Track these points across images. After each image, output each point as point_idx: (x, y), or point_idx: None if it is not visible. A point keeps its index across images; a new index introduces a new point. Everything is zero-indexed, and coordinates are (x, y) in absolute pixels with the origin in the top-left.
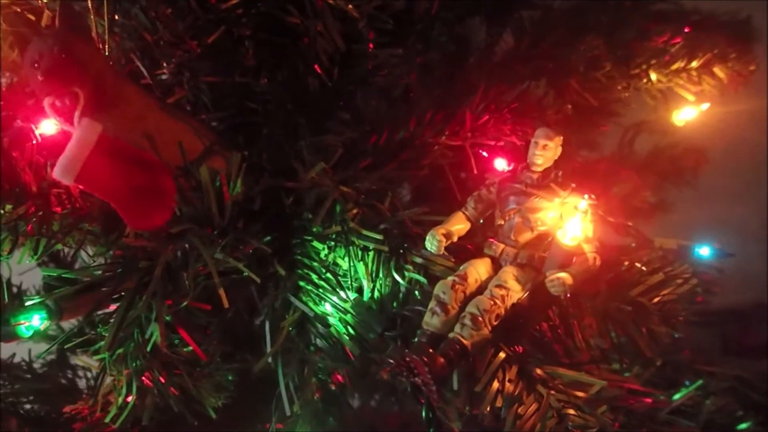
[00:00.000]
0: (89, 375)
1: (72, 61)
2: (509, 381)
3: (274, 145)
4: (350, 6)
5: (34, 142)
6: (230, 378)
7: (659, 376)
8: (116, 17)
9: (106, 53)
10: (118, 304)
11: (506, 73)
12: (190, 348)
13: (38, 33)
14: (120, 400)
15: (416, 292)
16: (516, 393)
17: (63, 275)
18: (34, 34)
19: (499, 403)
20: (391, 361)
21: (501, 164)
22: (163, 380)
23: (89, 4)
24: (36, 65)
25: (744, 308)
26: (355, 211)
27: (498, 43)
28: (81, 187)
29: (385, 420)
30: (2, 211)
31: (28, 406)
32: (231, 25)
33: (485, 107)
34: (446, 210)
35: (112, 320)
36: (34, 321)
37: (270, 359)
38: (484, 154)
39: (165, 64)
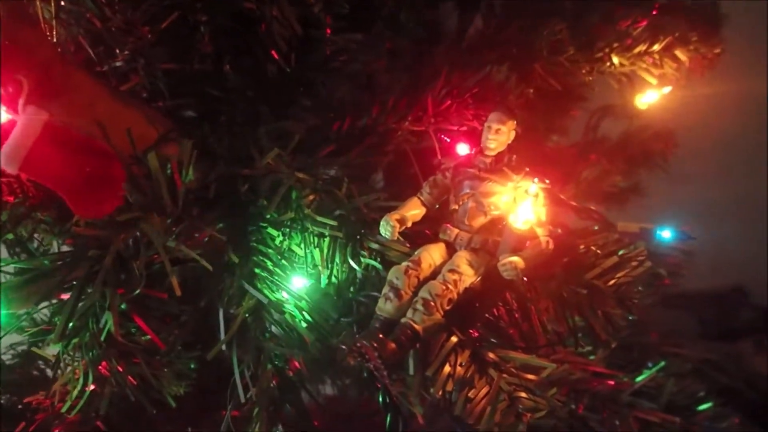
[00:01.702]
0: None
1: (16, 48)
2: (461, 365)
3: (233, 133)
4: None
5: None
6: (192, 366)
7: (626, 359)
8: (62, 2)
9: (54, 40)
10: (69, 294)
11: (472, 58)
12: (148, 337)
13: None
14: (77, 390)
15: (372, 278)
16: (467, 376)
17: (9, 263)
18: None
19: (450, 386)
20: (344, 347)
21: (463, 149)
22: (120, 369)
23: None
24: None
25: (720, 291)
26: (311, 197)
27: (469, 28)
28: (26, 175)
29: (358, 407)
30: None
31: None
32: (185, 11)
33: (447, 92)
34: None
35: (62, 310)
36: None
37: (224, 346)
38: (447, 139)
39: (118, 51)
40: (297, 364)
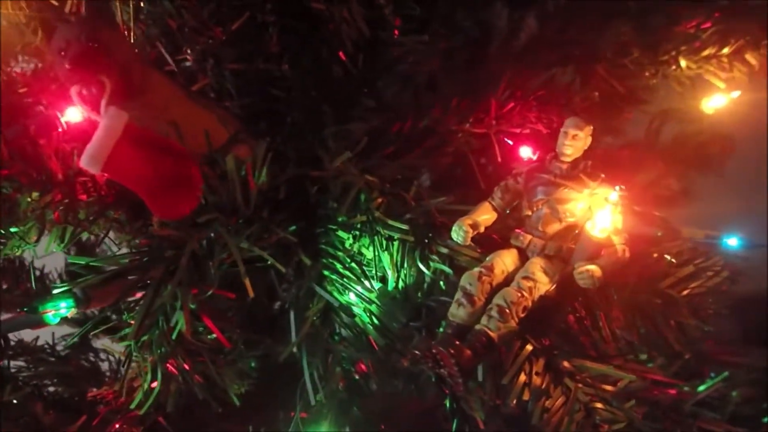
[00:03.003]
0: (112, 359)
1: (99, 50)
2: (536, 374)
3: (297, 133)
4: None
5: (60, 129)
6: (252, 365)
7: (682, 367)
8: (141, 4)
9: (132, 41)
10: (144, 292)
11: (531, 59)
12: (214, 335)
13: (64, 20)
14: (145, 386)
15: (441, 283)
16: (543, 386)
17: (89, 263)
18: (60, 22)
19: (526, 396)
20: (417, 352)
21: (526, 152)
22: (187, 367)
23: None
24: (63, 53)
25: (764, 296)
26: (380, 200)
27: (520, 28)
28: (107, 175)
29: (403, 406)
30: (29, 199)
31: (51, 389)
32: (255, 11)
33: (510, 94)
34: (469, 199)
35: (138, 308)
36: (61, 308)
37: (294, 348)
38: (509, 141)
39: (189, 51)
40: (364, 366)
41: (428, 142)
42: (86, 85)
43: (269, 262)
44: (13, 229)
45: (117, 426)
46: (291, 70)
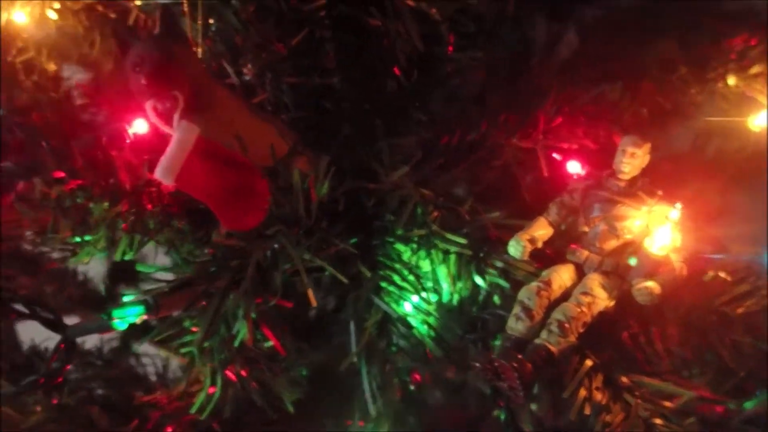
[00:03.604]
0: (156, 363)
1: (173, 65)
2: (596, 389)
3: (349, 146)
4: (433, 10)
5: (128, 141)
6: (303, 373)
7: (733, 385)
8: (210, 21)
9: (200, 56)
10: (209, 301)
11: (575, 74)
12: (270, 343)
13: (139, 37)
14: (205, 392)
15: (496, 296)
16: (603, 401)
17: (158, 271)
18: (135, 39)
19: (587, 410)
20: (478, 364)
21: (574, 167)
22: (245, 374)
23: (184, 8)
24: (138, 69)
25: None
26: (435, 213)
27: (559, 42)
28: (179, 187)
29: (448, 416)
30: (101, 209)
31: (99, 392)
32: (313, 27)
33: (558, 109)
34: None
35: (202, 316)
36: (130, 315)
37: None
38: (557, 156)
39: (250, 66)
40: (419, 377)
41: (475, 156)
42: (161, 99)
43: (327, 273)
44: (86, 238)
45: (170, 430)
46: (345, 83)
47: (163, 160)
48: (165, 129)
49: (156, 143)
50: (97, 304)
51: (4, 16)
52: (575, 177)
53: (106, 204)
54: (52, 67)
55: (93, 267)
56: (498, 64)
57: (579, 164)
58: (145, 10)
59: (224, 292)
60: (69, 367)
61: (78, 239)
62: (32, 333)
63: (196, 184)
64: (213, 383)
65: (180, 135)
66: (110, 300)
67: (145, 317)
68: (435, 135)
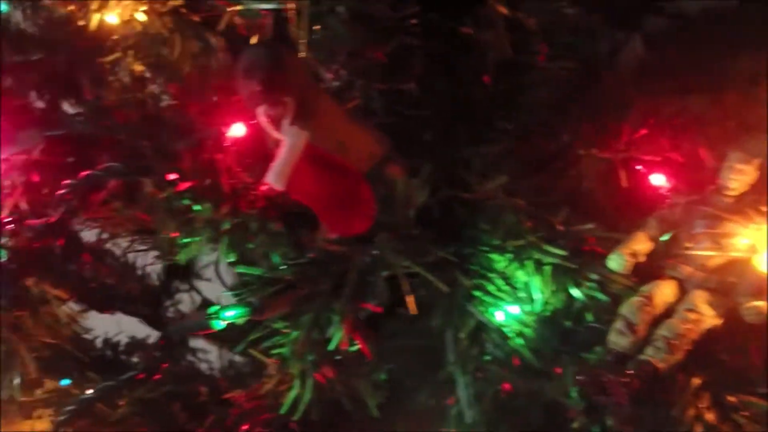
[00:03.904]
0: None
1: (284, 71)
2: (706, 408)
3: (437, 154)
4: (530, 20)
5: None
6: (383, 378)
7: None
8: (315, 27)
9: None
10: (311, 305)
11: (654, 85)
12: (356, 347)
13: (250, 44)
14: (294, 393)
15: (589, 310)
16: (714, 421)
17: (258, 274)
18: (246, 45)
19: (698, 429)
20: (581, 378)
21: (659, 180)
22: (332, 376)
23: (291, 15)
24: (250, 74)
25: None
26: (529, 224)
27: (624, 51)
28: (288, 193)
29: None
30: (204, 211)
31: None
32: (405, 34)
33: (643, 120)
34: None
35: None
36: (230, 315)
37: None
38: (641, 168)
39: (344, 72)
40: (509, 387)
41: (555, 165)
42: (273, 105)
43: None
44: (190, 240)
45: (245, 428)
46: (432, 91)
47: (275, 166)
48: (275, 135)
49: (253, 147)
50: (154, 300)
51: (97, 16)
52: (666, 191)
53: (209, 206)
54: (138, 68)
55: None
56: (579, 73)
57: (663, 177)
58: (245, 15)
59: (326, 297)
60: (167, 365)
61: (184, 240)
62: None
63: (304, 189)
64: (302, 385)
65: (290, 140)
66: (165, 296)
67: (245, 319)
68: (518, 144)
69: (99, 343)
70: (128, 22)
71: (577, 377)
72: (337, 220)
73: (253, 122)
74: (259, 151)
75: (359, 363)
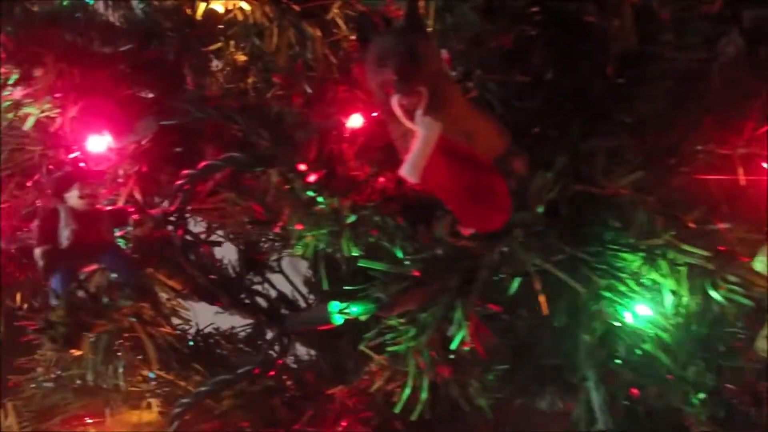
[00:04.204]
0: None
1: (418, 60)
2: None
3: (553, 147)
4: (663, 10)
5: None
6: (491, 378)
7: None
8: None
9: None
10: (439, 302)
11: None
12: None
13: (383, 31)
14: (407, 392)
15: (728, 314)
16: None
17: (384, 269)
18: (378, 32)
19: None
20: (732, 387)
21: None
22: (447, 375)
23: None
24: (383, 63)
25: None
26: (662, 222)
27: (721, 43)
28: (422, 186)
29: None
30: (331, 202)
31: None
32: (524, 24)
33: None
34: None
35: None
36: (355, 311)
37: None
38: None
39: (463, 62)
40: (637, 392)
41: (668, 160)
42: (407, 95)
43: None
44: (314, 232)
45: (344, 425)
46: (550, 82)
47: (409, 158)
48: (409, 125)
49: (372, 138)
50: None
51: (203, 5)
52: None
53: (335, 199)
54: (241, 57)
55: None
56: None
57: None
58: (369, 2)
59: (454, 294)
60: (282, 361)
61: (308, 232)
62: None
63: (438, 182)
64: (415, 384)
65: (424, 132)
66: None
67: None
68: (633, 138)
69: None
70: (231, 11)
71: (726, 386)
72: (473, 215)
73: (372, 112)
74: (380, 142)
75: (474, 362)
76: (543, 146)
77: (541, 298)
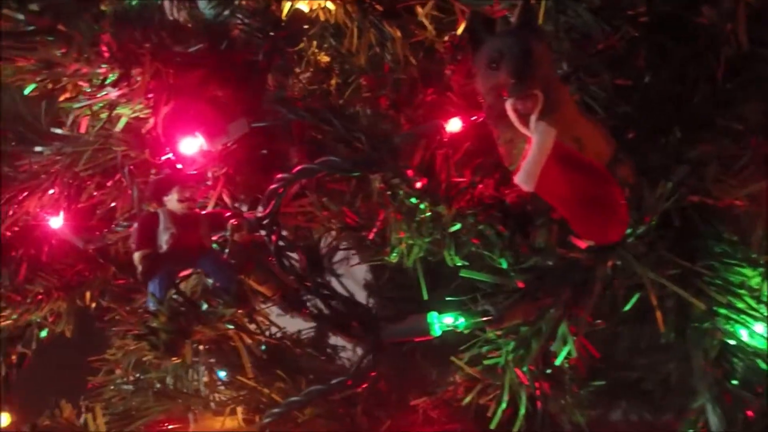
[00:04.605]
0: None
1: (535, 62)
2: None
3: (657, 154)
4: None
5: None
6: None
7: None
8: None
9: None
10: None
11: None
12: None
13: (494, 32)
14: (502, 406)
15: None
16: None
17: (489, 281)
18: (491, 33)
19: None
20: None
21: None
22: (548, 391)
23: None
24: (495, 65)
25: None
26: None
27: None
28: (538, 193)
29: None
30: (437, 209)
31: None
32: (628, 25)
33: None
34: None
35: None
36: (460, 323)
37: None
38: None
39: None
40: (752, 414)
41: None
42: (522, 98)
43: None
44: (417, 240)
45: None
46: (653, 86)
47: (524, 165)
48: (524, 131)
49: (475, 143)
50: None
51: (288, 5)
52: None
53: (440, 206)
54: (324, 58)
55: None
56: None
57: None
58: (469, 2)
59: (565, 308)
60: (374, 373)
61: (409, 240)
62: None
63: (554, 190)
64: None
65: (539, 137)
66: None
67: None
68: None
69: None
70: (314, 11)
71: None
72: (591, 226)
73: (466, 116)
74: (481, 148)
75: (572, 378)
76: (643, 152)
77: (659, 315)
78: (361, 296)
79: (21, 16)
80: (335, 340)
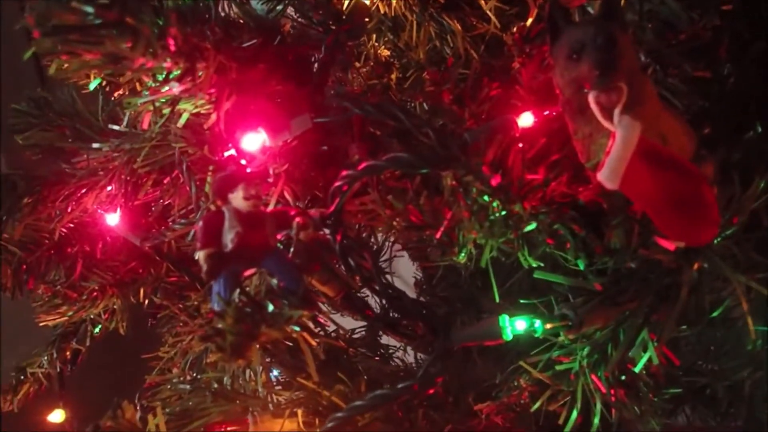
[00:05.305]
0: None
1: (619, 53)
2: None
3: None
4: None
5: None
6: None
7: None
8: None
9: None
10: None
11: None
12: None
13: (577, 22)
14: (574, 414)
15: None
16: None
17: (568, 284)
18: (568, 23)
19: None
20: None
21: None
22: (623, 398)
23: None
24: (577, 56)
25: None
26: None
27: None
28: (623, 191)
29: None
30: (512, 209)
31: None
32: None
33: None
34: None
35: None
36: (521, 326)
37: None
38: None
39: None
40: None
41: None
42: (606, 91)
43: None
44: (490, 240)
45: None
46: (733, 79)
47: (608, 162)
48: (606, 125)
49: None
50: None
51: None
52: None
53: (516, 204)
54: (384, 52)
55: None
56: None
57: None
58: None
59: (649, 312)
60: (441, 379)
61: (482, 240)
62: None
63: (639, 189)
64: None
65: (624, 132)
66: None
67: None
68: None
69: None
70: (374, 3)
71: None
72: (680, 226)
73: (544, 111)
74: (553, 144)
75: (647, 385)
76: (722, 149)
77: (749, 320)
78: (411, 295)
79: (90, 9)
80: (387, 339)
